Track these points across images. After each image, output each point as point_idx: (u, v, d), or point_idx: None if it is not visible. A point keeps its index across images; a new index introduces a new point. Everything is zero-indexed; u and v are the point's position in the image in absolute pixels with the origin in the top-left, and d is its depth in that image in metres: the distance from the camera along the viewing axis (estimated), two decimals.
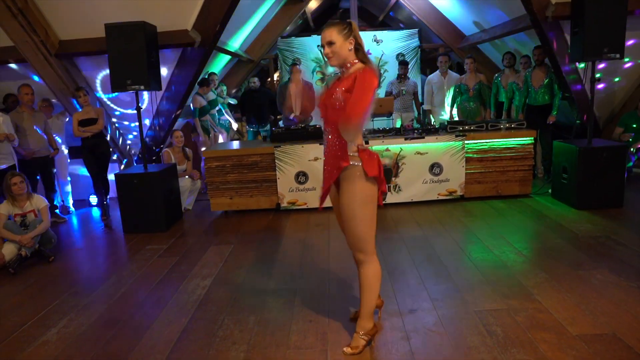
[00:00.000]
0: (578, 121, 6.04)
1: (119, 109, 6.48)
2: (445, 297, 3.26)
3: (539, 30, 5.57)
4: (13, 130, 5.29)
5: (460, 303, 3.16)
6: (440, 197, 5.68)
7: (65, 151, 6.59)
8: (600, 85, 6.06)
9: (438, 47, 9.75)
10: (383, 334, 2.82)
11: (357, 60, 2.51)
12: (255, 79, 7.90)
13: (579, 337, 2.66)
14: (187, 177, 6.15)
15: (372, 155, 2.53)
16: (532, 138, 5.60)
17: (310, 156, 5.48)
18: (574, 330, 2.72)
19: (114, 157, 6.70)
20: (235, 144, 6.19)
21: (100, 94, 6.33)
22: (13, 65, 6.17)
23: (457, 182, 5.64)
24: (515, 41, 7.23)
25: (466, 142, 5.55)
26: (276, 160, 5.52)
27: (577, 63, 5.59)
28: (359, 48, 2.51)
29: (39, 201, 4.73)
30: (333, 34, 2.46)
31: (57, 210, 6.06)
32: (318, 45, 9.19)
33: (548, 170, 6.31)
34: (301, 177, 5.56)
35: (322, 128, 2.66)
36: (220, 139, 7.55)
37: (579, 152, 5.03)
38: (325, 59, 2.57)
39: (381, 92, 8.74)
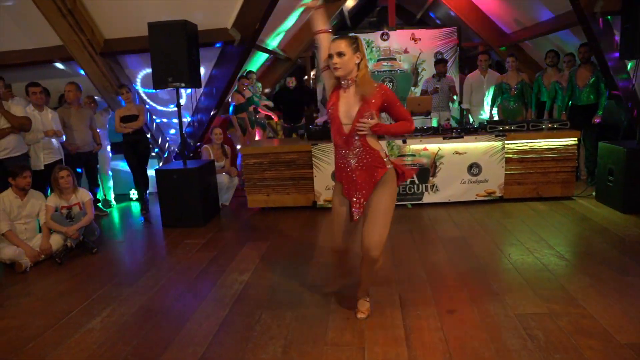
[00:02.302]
0: (625, 122, 5.80)
1: (155, 105, 6.62)
2: (485, 299, 3.20)
3: (586, 27, 5.38)
4: (61, 126, 5.49)
5: (500, 305, 3.09)
6: (479, 198, 5.57)
7: (108, 147, 6.80)
8: None
9: (477, 45, 9.56)
10: (421, 335, 2.79)
11: (356, 77, 2.70)
12: (292, 78, 7.94)
13: (628, 345, 2.55)
14: (224, 173, 6.25)
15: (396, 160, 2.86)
16: (576, 139, 5.43)
17: None
18: (621, 339, 2.62)
19: (154, 152, 6.87)
20: (273, 142, 6.24)
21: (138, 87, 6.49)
22: (59, 65, 6.42)
23: (496, 183, 5.52)
24: (559, 39, 7.01)
25: (506, 142, 5.42)
26: (313, 158, 5.53)
27: (626, 61, 5.37)
28: (359, 64, 2.70)
29: (84, 194, 4.89)
30: (343, 45, 2.63)
31: (99, 204, 6.26)
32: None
33: (592, 172, 6.10)
34: None
35: (346, 140, 2.75)
36: (257, 137, 7.63)
37: (626, 153, 4.84)
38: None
39: (419, 91, 8.67)
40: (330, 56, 2.66)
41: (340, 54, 2.63)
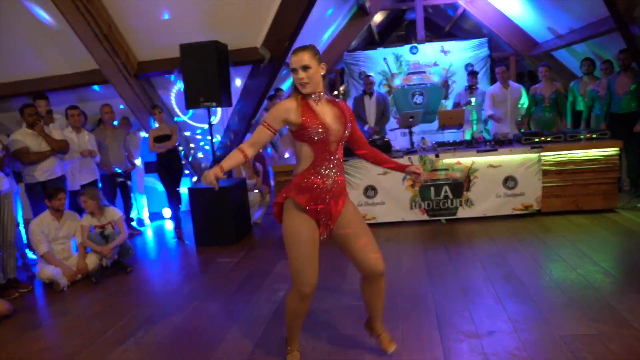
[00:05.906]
0: None
1: (198, 124, 6.73)
2: (527, 318, 3.06)
3: (625, 32, 5.20)
4: (96, 147, 5.63)
5: (544, 326, 2.94)
6: (515, 212, 5.39)
7: (142, 166, 6.93)
8: None
9: (509, 56, 9.39)
10: (461, 356, 2.68)
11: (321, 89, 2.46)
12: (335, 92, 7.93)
13: None
14: (256, 191, 6.26)
15: None
16: (618, 149, 5.21)
17: (379, 170, 5.40)
18: None
19: (187, 171, 6.96)
20: None
21: (181, 118, 6.63)
22: (96, 88, 6.62)
23: (533, 196, 5.34)
24: (593, 46, 6.80)
25: (542, 153, 5.26)
26: (345, 175, 5.47)
27: None
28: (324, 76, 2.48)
29: (113, 213, 4.93)
30: (307, 57, 2.34)
31: (133, 223, 6.36)
32: (384, 58, 9.12)
33: (635, 183, 5.84)
34: (370, 191, 5.48)
35: (331, 157, 2.54)
36: (287, 155, 7.64)
37: None
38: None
39: (449, 104, 8.54)
40: (294, 71, 2.35)
41: (305, 68, 2.34)
